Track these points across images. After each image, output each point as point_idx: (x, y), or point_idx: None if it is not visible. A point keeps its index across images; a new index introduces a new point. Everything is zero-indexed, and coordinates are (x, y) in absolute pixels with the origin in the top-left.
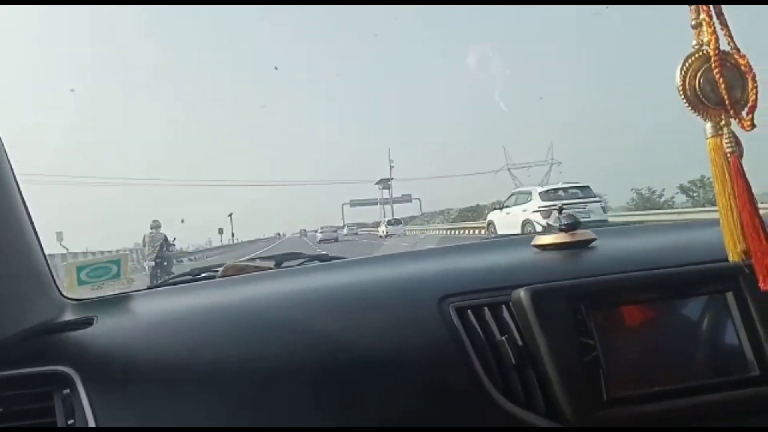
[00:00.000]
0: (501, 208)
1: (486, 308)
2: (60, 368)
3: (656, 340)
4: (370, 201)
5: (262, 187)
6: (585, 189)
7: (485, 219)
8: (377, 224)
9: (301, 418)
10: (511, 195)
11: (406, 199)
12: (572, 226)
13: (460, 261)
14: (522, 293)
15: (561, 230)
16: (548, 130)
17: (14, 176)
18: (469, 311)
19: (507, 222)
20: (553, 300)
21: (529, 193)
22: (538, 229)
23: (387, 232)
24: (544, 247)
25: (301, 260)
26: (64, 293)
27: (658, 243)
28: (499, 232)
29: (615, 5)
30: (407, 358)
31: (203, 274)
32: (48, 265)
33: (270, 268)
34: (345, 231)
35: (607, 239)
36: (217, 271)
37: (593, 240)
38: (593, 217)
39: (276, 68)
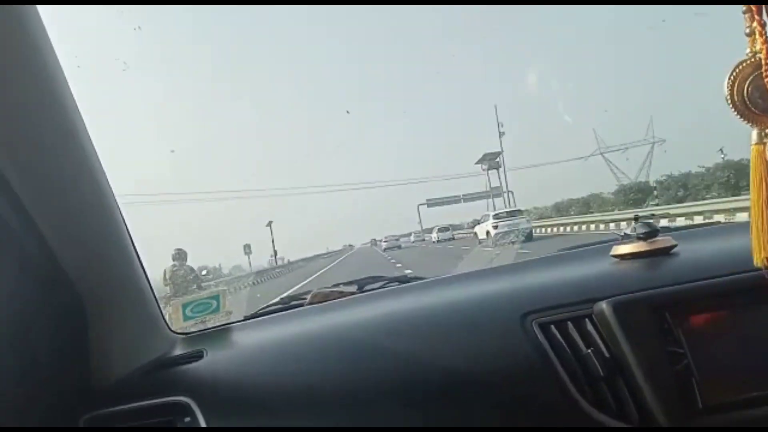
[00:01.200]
0: (477, 224)
1: (569, 322)
2: (180, 399)
3: (747, 344)
4: (449, 199)
5: (331, 194)
6: (517, 211)
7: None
8: (477, 223)
9: None
10: (482, 216)
11: (496, 192)
12: (650, 234)
13: (538, 276)
14: (605, 306)
15: (639, 239)
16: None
17: (123, 219)
18: (552, 326)
19: (480, 232)
20: (636, 311)
21: (488, 216)
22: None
23: (493, 234)
24: (622, 257)
25: (382, 282)
26: (173, 328)
27: (740, 244)
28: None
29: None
30: (495, 376)
31: (292, 303)
32: (158, 305)
33: (353, 293)
34: (412, 238)
35: (688, 244)
36: (305, 299)
37: (674, 246)
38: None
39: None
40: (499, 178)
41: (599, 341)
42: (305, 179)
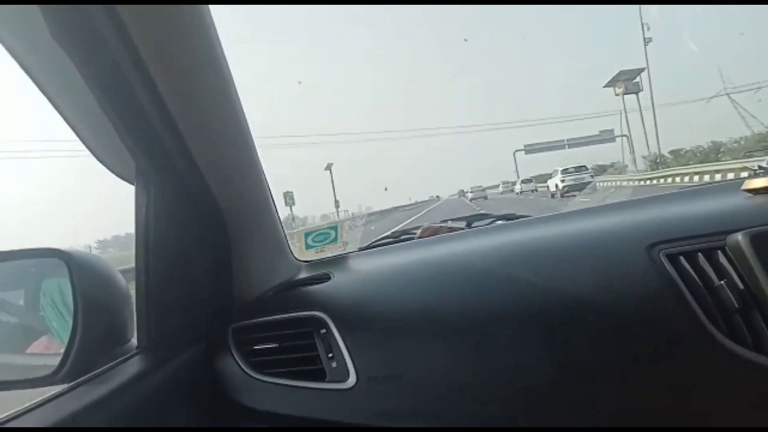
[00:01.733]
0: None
1: (699, 254)
2: (316, 313)
3: None
4: (551, 144)
5: (422, 139)
6: (582, 167)
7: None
8: (549, 177)
9: (513, 361)
10: (553, 171)
11: (607, 137)
12: None
13: (663, 209)
14: (740, 237)
15: None
16: None
17: (260, 162)
18: (681, 258)
19: (550, 185)
20: None
21: (557, 171)
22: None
23: (560, 187)
24: (756, 191)
25: (490, 220)
26: (296, 257)
27: None
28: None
29: None
30: (621, 305)
31: (403, 236)
32: (285, 234)
33: (462, 229)
34: (500, 189)
35: None
36: (414, 233)
37: None
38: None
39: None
40: (626, 118)
41: (733, 273)
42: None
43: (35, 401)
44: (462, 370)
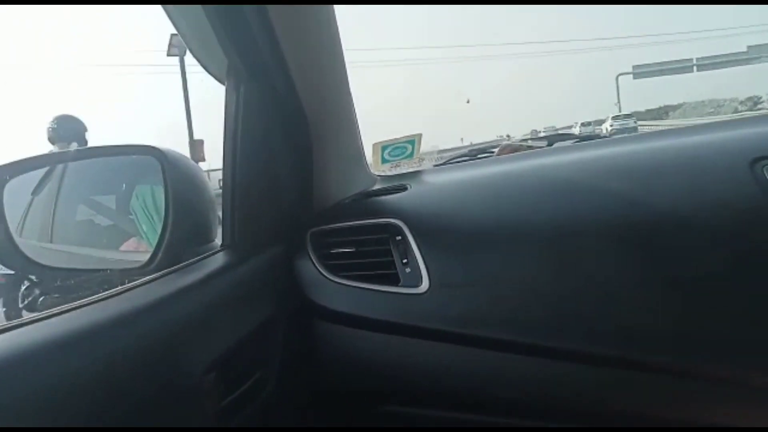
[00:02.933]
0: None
1: None
2: (392, 220)
3: None
4: (672, 66)
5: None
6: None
7: None
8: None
9: (594, 273)
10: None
11: (754, 54)
12: None
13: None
14: None
15: None
16: None
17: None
18: None
19: (603, 129)
20: None
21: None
22: None
23: (610, 130)
24: None
25: (574, 141)
26: (371, 170)
27: None
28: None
29: None
30: (720, 219)
31: (479, 155)
32: (362, 148)
33: (542, 147)
34: (577, 130)
35: None
36: (492, 152)
37: None
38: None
39: None
40: None
41: None
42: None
43: (126, 285)
44: (539, 281)
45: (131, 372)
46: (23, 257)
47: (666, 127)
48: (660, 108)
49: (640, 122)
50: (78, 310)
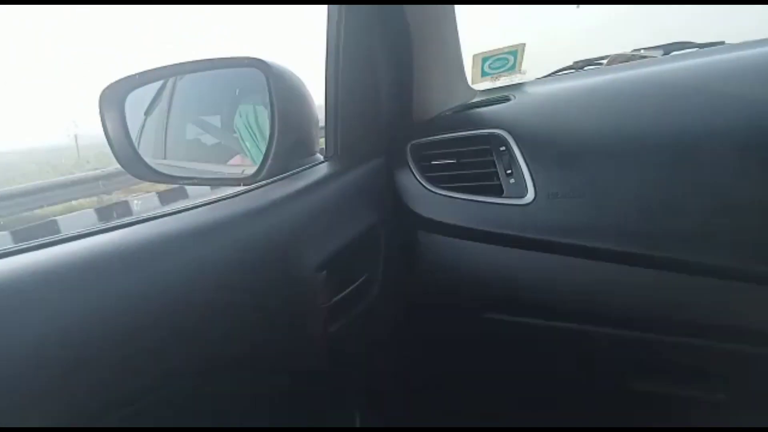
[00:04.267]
0: None
1: None
2: (496, 131)
3: None
4: None
5: None
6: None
7: None
8: None
9: (714, 180)
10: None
11: None
12: None
13: None
14: None
15: None
16: None
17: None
18: None
19: None
20: None
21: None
22: None
23: None
24: None
25: (692, 49)
26: (471, 84)
27: None
28: None
29: None
30: None
31: (586, 67)
32: (462, 60)
33: (656, 57)
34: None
35: None
36: (600, 63)
37: None
38: None
39: None
40: None
41: None
42: None
43: (240, 189)
44: (652, 190)
45: (255, 261)
46: (146, 166)
47: None
48: None
49: None
50: (200, 209)
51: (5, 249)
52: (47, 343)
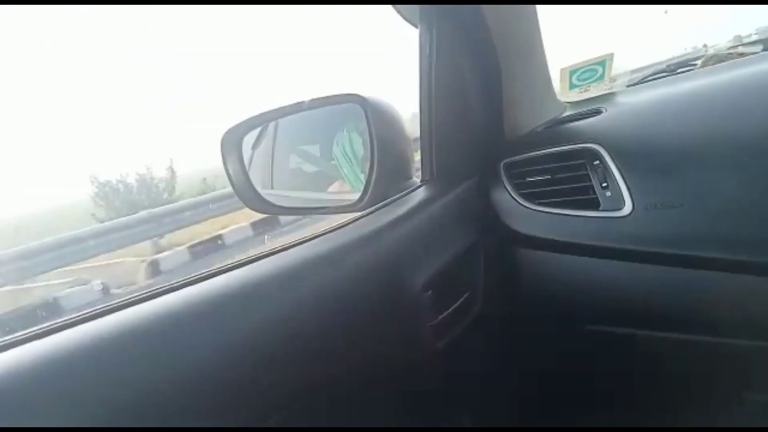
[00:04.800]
0: None
1: None
2: (589, 145)
3: None
4: None
5: None
6: None
7: None
8: None
9: None
10: None
11: None
12: None
13: None
14: None
15: None
16: None
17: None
18: None
19: None
20: None
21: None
22: None
23: None
24: None
25: None
26: (560, 98)
27: None
28: None
29: None
30: None
31: (680, 69)
32: (549, 74)
33: (756, 53)
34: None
35: None
36: (695, 64)
37: None
38: None
39: None
40: None
41: None
42: None
43: (345, 220)
44: (754, 193)
45: (367, 284)
46: (261, 199)
47: None
48: None
49: None
50: (313, 241)
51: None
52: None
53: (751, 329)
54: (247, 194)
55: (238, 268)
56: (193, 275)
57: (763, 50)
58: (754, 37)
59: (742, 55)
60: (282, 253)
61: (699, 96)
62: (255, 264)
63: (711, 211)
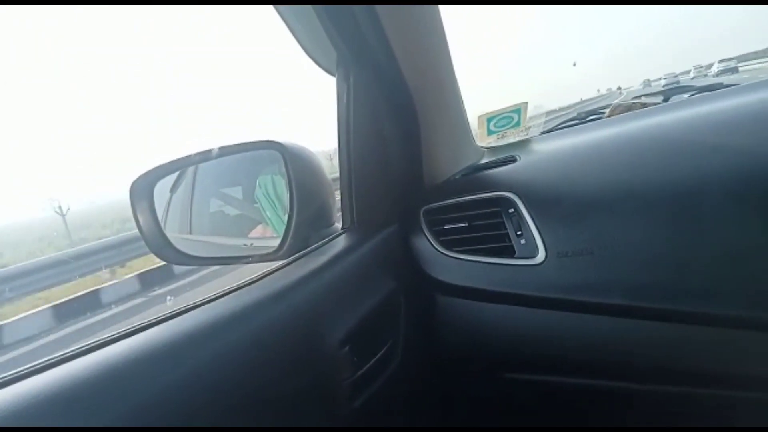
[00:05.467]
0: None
1: None
2: (504, 193)
3: None
4: None
5: None
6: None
7: None
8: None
9: (721, 234)
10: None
11: None
12: None
13: None
14: None
15: None
16: None
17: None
18: None
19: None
20: None
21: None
22: None
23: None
24: None
25: (691, 93)
26: (478, 144)
27: None
28: None
29: None
30: None
31: (590, 117)
32: (467, 122)
33: (657, 104)
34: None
35: None
36: (603, 113)
37: None
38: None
39: None
40: None
41: None
42: None
43: (263, 272)
44: (663, 244)
45: (280, 344)
46: (174, 249)
47: None
48: None
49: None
50: (227, 296)
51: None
52: None
53: (661, 375)
54: (158, 245)
55: (133, 334)
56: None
57: (663, 101)
58: (663, 82)
59: (645, 105)
60: (187, 314)
61: (605, 146)
62: (156, 328)
63: (617, 259)
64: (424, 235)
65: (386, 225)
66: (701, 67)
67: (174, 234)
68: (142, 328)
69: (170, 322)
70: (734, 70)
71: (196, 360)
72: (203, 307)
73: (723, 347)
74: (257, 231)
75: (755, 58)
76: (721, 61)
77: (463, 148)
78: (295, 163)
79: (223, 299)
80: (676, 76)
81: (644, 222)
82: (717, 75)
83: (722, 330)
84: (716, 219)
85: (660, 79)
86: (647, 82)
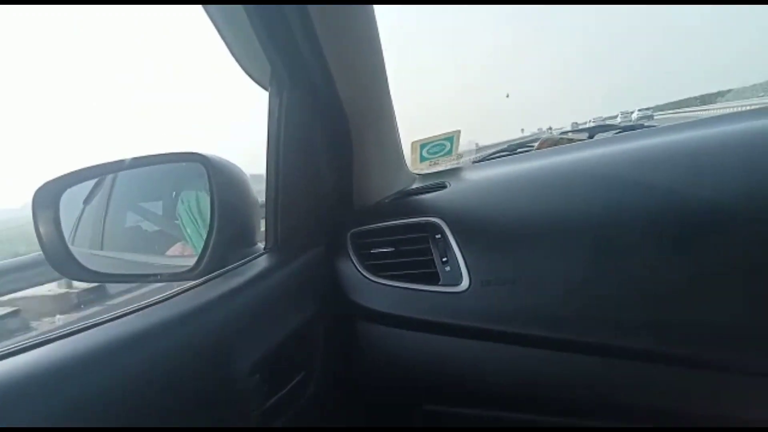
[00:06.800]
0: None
1: None
2: (431, 219)
3: None
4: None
5: None
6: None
7: None
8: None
9: (639, 268)
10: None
11: None
12: None
13: None
14: None
15: None
16: None
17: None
18: None
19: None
20: None
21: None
22: None
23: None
24: None
25: (615, 131)
26: (410, 169)
27: None
28: None
29: None
30: (765, 212)
31: (519, 150)
32: (401, 147)
33: (583, 140)
34: (618, 119)
35: None
36: (532, 146)
37: None
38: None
39: None
40: None
41: None
42: None
43: (174, 290)
44: (580, 277)
45: (180, 373)
46: (77, 264)
47: (690, 115)
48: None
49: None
50: (131, 315)
51: None
52: None
53: (578, 407)
54: (60, 259)
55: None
56: None
57: (588, 137)
58: (590, 124)
59: (571, 140)
60: (80, 334)
61: (532, 177)
62: (39, 350)
63: (539, 289)
64: (350, 258)
65: (311, 246)
66: (628, 113)
67: (82, 249)
68: (22, 349)
69: (58, 342)
70: (650, 117)
71: (80, 389)
72: (104, 325)
73: (633, 380)
74: (176, 249)
75: (668, 109)
76: (640, 109)
77: (395, 173)
78: (218, 178)
79: (125, 318)
80: (604, 119)
81: (566, 253)
82: (637, 121)
83: (633, 362)
84: (630, 253)
85: (588, 122)
86: (575, 125)
